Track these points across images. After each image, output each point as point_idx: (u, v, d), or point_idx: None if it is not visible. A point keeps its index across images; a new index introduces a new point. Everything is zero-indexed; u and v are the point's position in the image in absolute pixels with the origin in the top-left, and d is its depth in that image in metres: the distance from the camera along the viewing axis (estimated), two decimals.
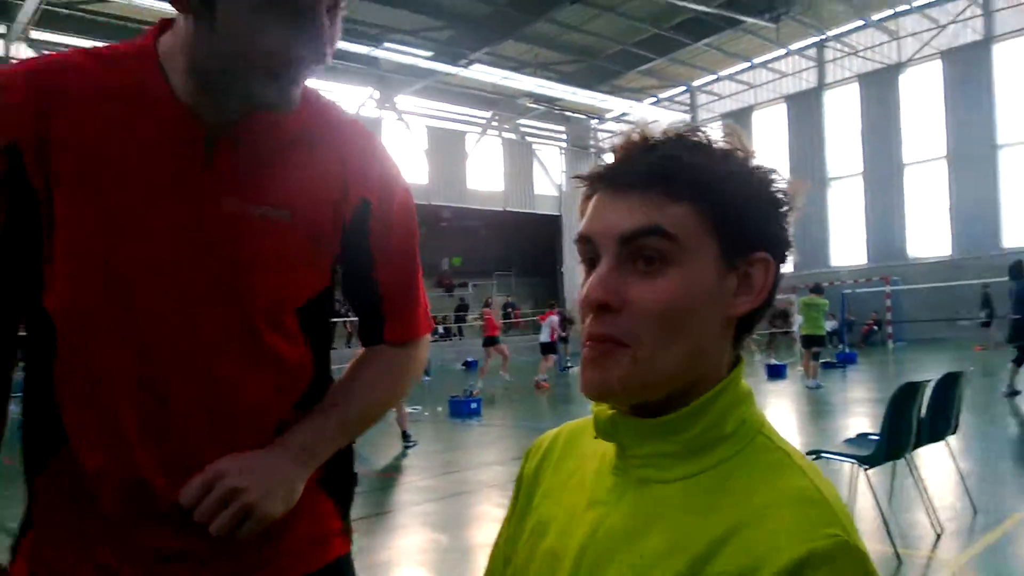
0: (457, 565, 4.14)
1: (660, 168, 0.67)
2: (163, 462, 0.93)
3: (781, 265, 0.71)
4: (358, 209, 1.03)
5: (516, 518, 0.84)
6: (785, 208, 0.70)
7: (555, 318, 15.42)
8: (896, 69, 23.24)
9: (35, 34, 19.07)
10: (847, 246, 24.56)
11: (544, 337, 14.71)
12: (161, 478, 0.92)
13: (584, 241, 0.71)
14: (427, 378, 11.09)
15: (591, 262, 0.71)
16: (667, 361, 0.67)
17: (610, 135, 30.66)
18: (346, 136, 1.05)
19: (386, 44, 18.36)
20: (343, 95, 22.99)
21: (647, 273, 0.66)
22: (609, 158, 0.72)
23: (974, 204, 21.43)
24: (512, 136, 27.74)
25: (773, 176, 0.70)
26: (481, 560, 0.91)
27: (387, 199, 1.07)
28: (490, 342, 15.17)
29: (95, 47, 0.97)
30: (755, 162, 0.70)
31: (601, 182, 0.70)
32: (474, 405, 10.68)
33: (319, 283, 1.03)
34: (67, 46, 20.08)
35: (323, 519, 1.07)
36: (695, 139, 0.70)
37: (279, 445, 0.97)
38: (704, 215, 0.67)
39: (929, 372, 4.71)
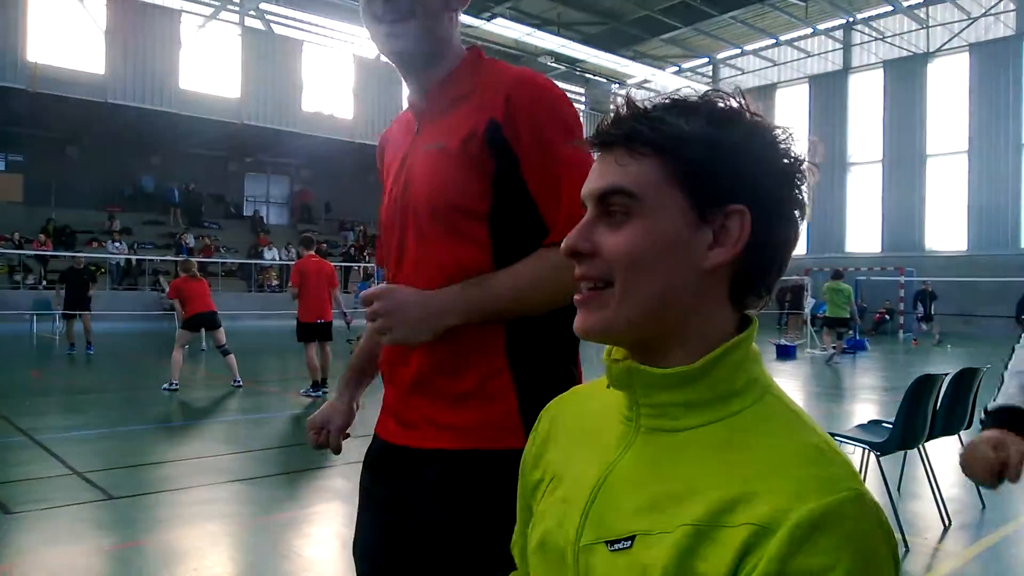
0: None
1: (628, 128, 0.72)
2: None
3: (777, 222, 0.72)
4: (490, 122, 1.23)
5: (527, 508, 0.88)
6: (787, 166, 0.71)
7: None
8: (923, 58, 22.93)
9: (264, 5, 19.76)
10: (863, 233, 24.45)
11: None
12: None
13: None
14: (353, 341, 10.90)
15: None
16: (639, 299, 0.72)
17: None
18: (493, 80, 1.28)
19: None
20: None
21: (613, 224, 0.73)
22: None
23: (994, 201, 21.31)
24: None
25: (770, 133, 0.72)
26: None
27: (516, 106, 1.22)
28: None
29: None
30: (752, 120, 0.72)
31: (590, 145, 0.78)
32: None
33: (479, 192, 1.23)
34: (296, 19, 20.89)
35: (501, 410, 1.22)
36: (686, 101, 0.73)
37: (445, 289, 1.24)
38: (668, 170, 0.71)
39: (941, 366, 4.70)
